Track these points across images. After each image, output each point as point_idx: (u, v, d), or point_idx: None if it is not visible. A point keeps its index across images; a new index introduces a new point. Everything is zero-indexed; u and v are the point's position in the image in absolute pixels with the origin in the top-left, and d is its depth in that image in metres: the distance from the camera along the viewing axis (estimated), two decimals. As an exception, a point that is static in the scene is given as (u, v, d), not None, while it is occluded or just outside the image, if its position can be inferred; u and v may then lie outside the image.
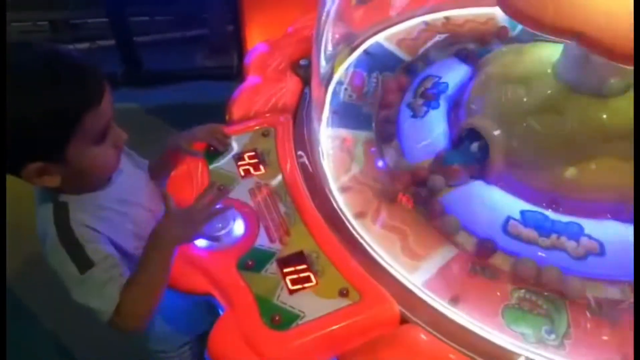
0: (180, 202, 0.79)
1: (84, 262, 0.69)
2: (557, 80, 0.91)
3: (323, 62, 1.06)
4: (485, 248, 0.83)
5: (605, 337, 0.74)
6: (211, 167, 0.91)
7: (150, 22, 2.16)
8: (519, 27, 1.23)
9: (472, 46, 1.20)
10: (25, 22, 2.02)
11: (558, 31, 0.72)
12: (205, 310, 0.84)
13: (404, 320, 0.75)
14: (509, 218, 0.87)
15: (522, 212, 0.88)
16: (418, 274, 0.81)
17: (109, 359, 1.37)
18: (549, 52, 0.98)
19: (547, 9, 0.73)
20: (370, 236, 0.86)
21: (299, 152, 0.97)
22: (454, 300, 0.78)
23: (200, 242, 0.79)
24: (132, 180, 0.83)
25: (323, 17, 1.02)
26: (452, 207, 0.89)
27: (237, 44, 1.95)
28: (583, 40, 0.71)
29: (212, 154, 0.93)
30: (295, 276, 0.75)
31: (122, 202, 0.78)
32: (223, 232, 0.78)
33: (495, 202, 0.90)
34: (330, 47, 1.10)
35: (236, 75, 1.93)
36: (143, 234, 0.76)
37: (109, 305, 0.69)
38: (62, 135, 0.66)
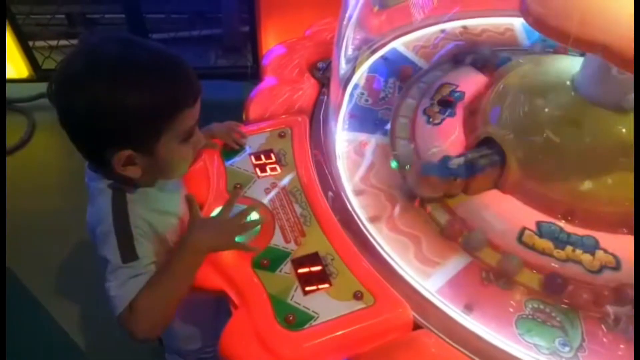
0: (197, 197, 0.78)
1: (129, 254, 0.70)
2: (576, 92, 0.91)
3: (343, 65, 1.06)
4: (555, 284, 0.80)
5: (620, 352, 0.74)
6: (227, 164, 0.91)
7: (165, 20, 2.17)
8: (533, 37, 1.24)
9: (489, 56, 1.20)
10: (44, 15, 2.03)
11: (582, 43, 0.72)
12: (225, 314, 0.83)
13: (417, 326, 0.75)
14: (524, 229, 0.87)
15: (538, 223, 0.88)
16: (431, 281, 0.81)
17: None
18: (568, 65, 0.98)
19: (571, 20, 0.72)
20: (384, 240, 0.86)
21: (315, 154, 0.97)
22: (468, 308, 0.77)
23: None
24: (172, 182, 0.82)
25: (344, 21, 1.03)
26: (467, 217, 0.89)
27: (251, 44, 1.96)
28: (607, 53, 0.70)
29: (229, 152, 0.93)
30: (309, 277, 0.75)
31: (165, 202, 0.79)
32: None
33: (511, 212, 0.90)
34: (350, 51, 1.10)
35: (250, 75, 1.93)
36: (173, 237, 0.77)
37: (126, 298, 0.69)
38: (159, 127, 0.69)
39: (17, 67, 1.92)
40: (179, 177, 0.80)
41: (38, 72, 1.95)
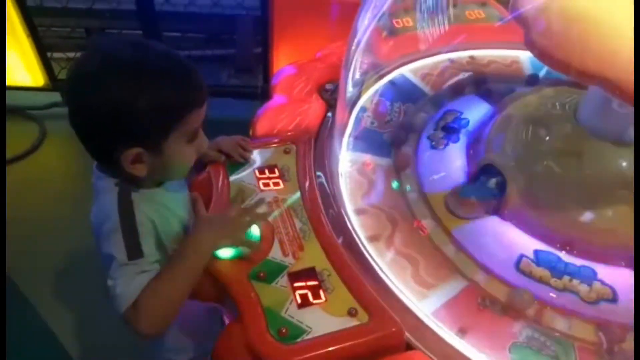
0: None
1: (135, 251, 0.71)
2: (578, 124, 0.93)
3: (350, 88, 1.08)
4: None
5: (614, 384, 0.73)
6: (232, 178, 0.93)
7: (181, 38, 2.23)
8: (538, 69, 1.26)
9: (495, 86, 1.22)
10: (64, 28, 2.10)
11: (583, 75, 0.74)
12: (220, 324, 0.84)
13: (409, 347, 0.74)
14: (522, 256, 0.87)
15: (536, 252, 0.88)
16: (427, 303, 0.81)
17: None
18: (571, 97, 0.99)
19: (574, 52, 0.74)
20: (382, 260, 0.86)
21: (318, 173, 0.98)
22: (462, 332, 0.77)
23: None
24: (178, 187, 0.84)
25: (353, 45, 1.06)
26: (466, 241, 0.90)
27: (263, 65, 2.01)
28: (607, 85, 0.72)
29: (234, 165, 0.95)
30: (305, 291, 0.75)
31: (171, 204, 0.80)
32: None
33: (510, 239, 0.90)
34: (357, 74, 1.13)
35: (260, 95, 1.97)
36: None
37: (130, 295, 0.69)
38: (168, 126, 0.71)
39: (34, 75, 1.97)
40: (180, 178, 0.81)
41: (53, 82, 2.00)
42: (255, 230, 0.81)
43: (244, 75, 2.19)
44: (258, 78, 2.11)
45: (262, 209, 0.84)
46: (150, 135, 0.71)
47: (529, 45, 0.81)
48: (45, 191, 1.82)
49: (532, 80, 1.23)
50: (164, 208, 0.77)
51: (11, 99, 2.02)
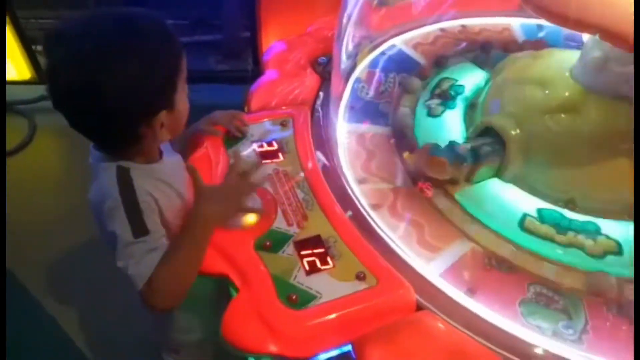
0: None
1: (139, 228, 0.70)
2: (575, 82, 0.92)
3: (344, 59, 1.07)
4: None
5: (624, 335, 0.73)
6: (230, 151, 0.92)
7: (167, 25, 2.19)
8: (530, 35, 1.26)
9: (488, 52, 1.22)
10: (47, 20, 2.06)
11: (581, 25, 0.74)
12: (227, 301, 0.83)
13: (419, 308, 0.74)
14: (525, 215, 0.87)
15: (539, 210, 0.88)
16: (434, 265, 0.81)
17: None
18: (565, 56, 0.99)
19: (570, 4, 0.74)
20: (386, 226, 0.86)
21: (316, 144, 0.97)
22: (471, 291, 0.77)
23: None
24: (175, 162, 0.84)
25: (345, 17, 1.04)
26: (469, 204, 0.90)
27: (252, 49, 1.98)
28: (605, 34, 0.72)
29: (231, 140, 0.94)
30: (312, 258, 0.75)
31: (169, 179, 0.79)
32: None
33: (512, 200, 0.90)
34: (350, 46, 1.11)
35: (251, 78, 1.94)
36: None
37: (145, 275, 0.69)
38: (175, 80, 0.73)
39: (19, 69, 1.93)
40: (180, 131, 0.81)
41: (40, 75, 1.96)
42: (256, 200, 0.80)
43: (232, 60, 2.16)
44: (247, 62, 2.08)
45: (258, 174, 0.84)
46: (167, 94, 0.72)
47: (525, 0, 0.80)
48: (41, 184, 1.80)
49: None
50: (163, 183, 0.76)
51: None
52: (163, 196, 0.75)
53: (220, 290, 0.89)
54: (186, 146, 0.93)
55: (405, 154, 0.97)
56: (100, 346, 1.39)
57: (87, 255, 1.41)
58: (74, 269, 1.53)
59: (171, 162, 0.81)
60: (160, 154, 0.80)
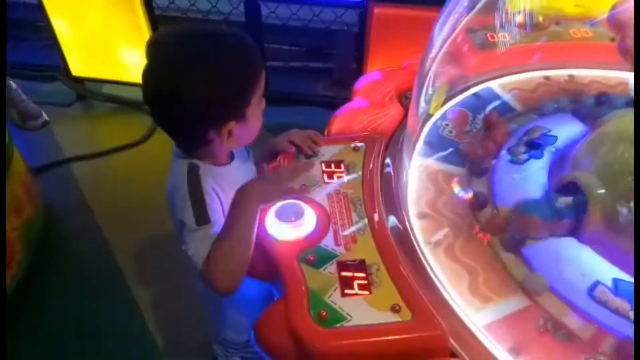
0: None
1: (201, 217, 0.78)
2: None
3: (429, 92, 1.07)
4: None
5: None
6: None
7: (281, 50, 2.36)
8: None
9: (593, 105, 1.13)
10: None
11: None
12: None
13: (454, 356, 0.70)
14: (597, 282, 0.79)
15: (615, 280, 0.79)
16: (481, 315, 0.76)
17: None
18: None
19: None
20: (439, 266, 0.83)
21: (385, 172, 0.98)
22: (515, 351, 0.72)
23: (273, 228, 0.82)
24: (243, 169, 0.91)
25: (433, 53, 1.04)
26: (536, 261, 0.83)
27: (357, 79, 2.05)
28: None
29: (303, 157, 0.98)
30: (351, 281, 0.75)
31: (233, 183, 0.85)
32: (296, 221, 0.81)
33: (585, 264, 0.82)
34: (438, 83, 1.11)
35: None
36: None
37: (203, 253, 0.76)
38: (249, 94, 0.80)
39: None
40: (251, 140, 0.88)
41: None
42: (310, 214, 0.83)
43: (337, 88, 2.25)
44: (350, 90, 2.15)
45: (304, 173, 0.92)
46: (238, 107, 0.79)
47: (623, 51, 0.75)
48: (149, 177, 2.01)
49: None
50: (226, 185, 0.83)
51: (133, 94, 2.29)
52: (224, 196, 0.81)
53: (270, 298, 0.93)
54: (261, 157, 1.00)
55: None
56: (169, 325, 1.51)
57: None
58: (167, 253, 1.66)
59: (240, 168, 0.88)
60: (231, 158, 0.87)
